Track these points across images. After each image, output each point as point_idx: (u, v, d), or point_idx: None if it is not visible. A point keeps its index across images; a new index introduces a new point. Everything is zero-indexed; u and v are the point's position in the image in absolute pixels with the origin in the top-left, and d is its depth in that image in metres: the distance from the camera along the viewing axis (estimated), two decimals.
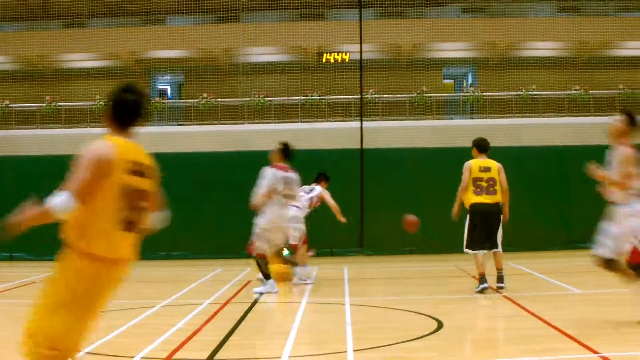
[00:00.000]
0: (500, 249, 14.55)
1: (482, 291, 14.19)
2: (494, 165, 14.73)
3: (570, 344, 9.01)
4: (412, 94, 36.16)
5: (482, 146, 15.18)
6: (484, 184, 14.54)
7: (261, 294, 14.51)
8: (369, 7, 36.57)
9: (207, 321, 11.38)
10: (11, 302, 14.16)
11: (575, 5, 39.73)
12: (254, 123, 35.08)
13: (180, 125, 36.98)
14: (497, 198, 14.51)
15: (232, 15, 38.24)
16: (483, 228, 14.43)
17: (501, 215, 14.54)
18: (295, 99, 36.39)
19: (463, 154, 25.07)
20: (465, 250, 14.69)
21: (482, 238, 14.44)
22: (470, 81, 41.33)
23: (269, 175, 14.81)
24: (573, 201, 24.39)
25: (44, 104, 36.41)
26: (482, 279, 14.24)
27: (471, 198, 14.54)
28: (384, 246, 24.41)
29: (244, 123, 35.36)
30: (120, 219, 5.77)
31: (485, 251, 14.45)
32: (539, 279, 16.68)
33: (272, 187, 14.74)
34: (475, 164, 14.75)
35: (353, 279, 17.77)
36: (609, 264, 10.05)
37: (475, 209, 14.48)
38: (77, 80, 40.07)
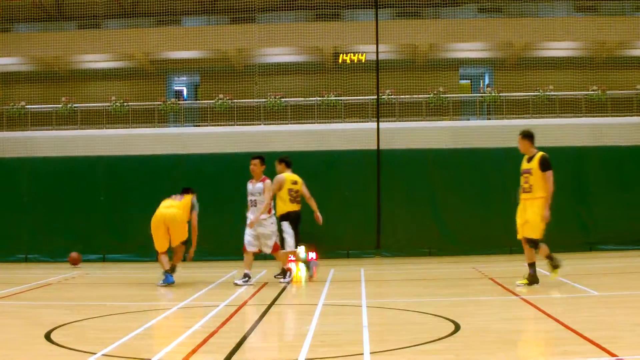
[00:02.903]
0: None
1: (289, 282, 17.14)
2: (299, 179, 17.86)
3: (588, 347, 8.93)
4: (429, 94, 36.09)
5: (289, 162, 18.17)
6: (294, 194, 17.66)
7: None
8: (385, 7, 36.51)
9: (224, 323, 11.34)
10: (26, 304, 14.15)
11: (592, 5, 39.56)
12: (271, 124, 35.08)
13: (197, 126, 37.01)
14: (300, 206, 17.81)
15: (248, 15, 38.23)
16: (297, 230, 17.60)
17: None
18: (312, 100, 36.36)
19: (480, 155, 25.19)
20: (289, 249, 17.41)
21: (298, 238, 17.64)
22: (487, 81, 41.26)
23: None
24: (591, 202, 24.25)
25: (60, 105, 36.50)
26: (290, 273, 17.24)
27: (288, 206, 17.55)
28: (400, 248, 24.32)
29: (260, 124, 35.36)
30: None
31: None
32: (556, 281, 16.57)
33: None
34: (288, 178, 17.71)
35: (370, 280, 17.70)
36: None
37: (292, 215, 17.57)
38: (92, 81, 40.20)
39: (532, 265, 15.41)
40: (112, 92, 37.76)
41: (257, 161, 17.10)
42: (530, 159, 15.51)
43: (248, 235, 16.89)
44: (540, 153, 15.46)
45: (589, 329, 10.01)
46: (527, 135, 15.61)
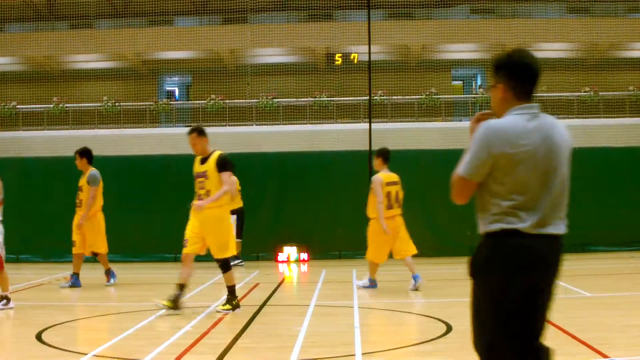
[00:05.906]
0: None
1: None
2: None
3: (580, 348, 8.93)
4: (421, 95, 36.09)
5: None
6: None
7: None
8: (377, 8, 36.53)
9: (215, 324, 11.32)
10: (17, 304, 14.09)
11: (584, 6, 39.62)
12: (263, 125, 35.04)
13: (188, 126, 36.93)
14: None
15: (240, 16, 38.21)
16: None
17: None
18: (304, 101, 36.35)
19: None
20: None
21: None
22: (479, 82, 41.27)
23: None
24: (582, 203, 24.22)
25: (51, 105, 36.42)
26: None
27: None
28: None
29: (252, 125, 35.32)
30: None
31: None
32: None
33: None
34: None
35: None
36: None
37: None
38: (84, 82, 40.16)
39: (181, 287, 12.74)
40: (104, 92, 37.71)
41: None
42: (204, 160, 13.28)
43: None
44: (218, 152, 13.29)
45: (580, 330, 10.01)
46: (203, 132, 13.34)
